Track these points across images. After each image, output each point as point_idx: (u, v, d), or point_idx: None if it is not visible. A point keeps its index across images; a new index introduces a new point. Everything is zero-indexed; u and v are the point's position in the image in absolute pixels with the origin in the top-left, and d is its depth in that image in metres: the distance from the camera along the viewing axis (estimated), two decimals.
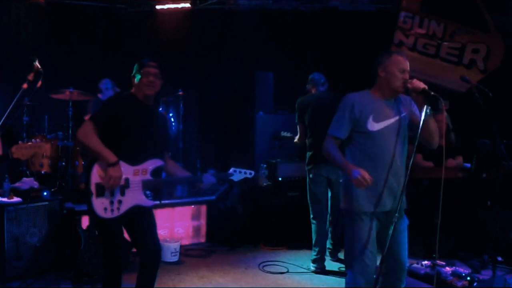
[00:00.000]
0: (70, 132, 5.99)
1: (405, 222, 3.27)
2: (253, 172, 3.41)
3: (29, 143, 2.92)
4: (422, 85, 3.03)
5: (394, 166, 3.14)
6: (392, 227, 2.96)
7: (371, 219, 3.16)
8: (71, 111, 6.08)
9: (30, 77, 3.22)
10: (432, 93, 2.98)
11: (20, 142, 2.95)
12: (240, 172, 3.38)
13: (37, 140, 2.97)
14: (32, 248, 4.59)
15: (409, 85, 3.06)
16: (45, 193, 4.87)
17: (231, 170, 3.40)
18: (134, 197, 3.19)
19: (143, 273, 3.31)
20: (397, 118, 3.17)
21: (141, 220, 3.26)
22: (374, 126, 3.13)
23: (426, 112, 2.98)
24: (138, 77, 3.26)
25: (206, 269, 5.13)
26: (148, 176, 3.23)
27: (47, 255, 4.71)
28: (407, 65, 3.15)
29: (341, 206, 3.29)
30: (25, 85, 3.20)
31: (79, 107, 6.52)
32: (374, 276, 3.13)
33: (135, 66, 3.31)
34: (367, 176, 2.98)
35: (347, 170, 3.07)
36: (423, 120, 2.97)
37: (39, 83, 3.27)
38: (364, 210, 3.14)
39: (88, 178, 3.11)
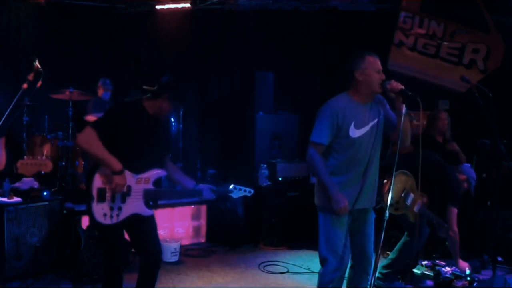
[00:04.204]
0: (70, 132, 5.99)
1: (372, 216, 3.43)
2: (252, 190, 3.47)
3: (35, 160, 2.92)
4: (399, 85, 3.12)
5: (370, 168, 3.29)
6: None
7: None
8: (71, 111, 6.08)
9: (30, 77, 3.21)
10: (410, 93, 3.06)
11: (25, 157, 2.95)
12: (240, 189, 3.43)
13: (43, 157, 2.97)
14: (32, 248, 4.59)
15: (388, 86, 3.15)
16: (45, 193, 4.86)
17: (231, 186, 3.43)
18: (134, 205, 3.18)
19: (143, 276, 3.30)
20: (375, 122, 3.29)
21: (141, 224, 3.25)
22: (355, 133, 3.23)
23: (404, 112, 3.06)
24: (167, 104, 3.19)
25: (206, 269, 5.13)
26: (150, 185, 3.22)
27: (47, 255, 4.70)
28: (380, 64, 3.24)
29: (315, 202, 3.37)
30: (25, 85, 3.19)
31: (79, 107, 6.52)
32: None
33: (165, 85, 3.19)
34: (347, 208, 3.16)
35: (334, 195, 3.16)
36: (403, 119, 3.05)
37: (39, 83, 3.27)
38: None
39: (90, 182, 3.09)
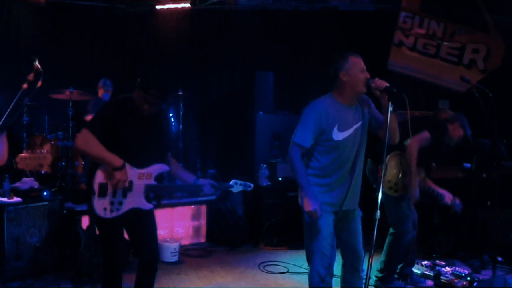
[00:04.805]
0: (70, 132, 5.98)
1: (358, 214, 3.43)
2: (252, 185, 3.49)
3: (34, 154, 2.91)
4: (384, 83, 3.10)
5: (355, 170, 3.29)
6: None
7: (329, 214, 3.29)
8: (71, 111, 6.08)
9: (30, 77, 3.21)
10: (395, 90, 3.04)
11: (24, 152, 2.94)
12: (240, 184, 3.45)
13: (43, 150, 2.96)
14: (32, 248, 4.59)
15: (372, 85, 3.13)
16: (45, 193, 4.87)
17: (232, 182, 3.45)
18: (135, 200, 3.19)
19: (141, 275, 3.32)
20: (359, 124, 3.28)
21: (141, 222, 3.26)
22: (339, 135, 3.22)
23: (391, 110, 3.04)
24: (139, 94, 3.14)
25: (206, 269, 5.13)
26: (152, 181, 3.23)
27: (47, 255, 4.71)
28: (363, 64, 3.23)
29: (299, 202, 3.36)
30: (25, 85, 3.19)
31: (79, 107, 6.53)
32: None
33: (141, 81, 3.15)
34: (318, 213, 3.16)
35: (307, 197, 3.18)
36: (389, 117, 3.04)
37: (39, 83, 3.27)
38: (325, 211, 3.24)
39: (92, 177, 3.09)
